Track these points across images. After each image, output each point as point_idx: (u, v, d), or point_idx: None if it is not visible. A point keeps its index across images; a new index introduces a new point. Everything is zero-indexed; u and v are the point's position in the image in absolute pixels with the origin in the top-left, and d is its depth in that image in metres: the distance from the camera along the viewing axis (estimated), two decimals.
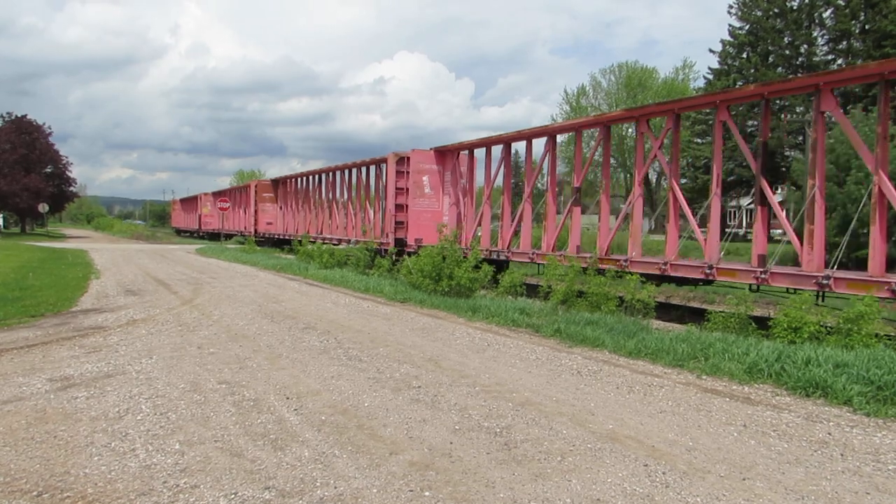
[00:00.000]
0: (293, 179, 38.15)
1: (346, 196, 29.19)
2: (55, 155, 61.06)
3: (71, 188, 65.59)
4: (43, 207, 57.10)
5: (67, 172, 63.14)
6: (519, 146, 20.69)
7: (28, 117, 59.00)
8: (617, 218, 19.30)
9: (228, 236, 45.48)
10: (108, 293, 14.78)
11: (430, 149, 22.27)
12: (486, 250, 18.07)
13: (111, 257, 27.84)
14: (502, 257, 17.83)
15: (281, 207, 40.35)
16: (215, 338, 9.46)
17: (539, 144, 18.28)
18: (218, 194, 58.65)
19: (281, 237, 38.01)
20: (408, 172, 22.29)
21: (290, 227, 37.28)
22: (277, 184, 41.53)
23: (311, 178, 34.68)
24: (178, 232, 74.49)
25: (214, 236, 53.34)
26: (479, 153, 21.10)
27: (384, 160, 23.90)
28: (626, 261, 13.86)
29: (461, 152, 21.71)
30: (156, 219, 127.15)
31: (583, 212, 17.38)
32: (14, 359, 7.92)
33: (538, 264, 17.13)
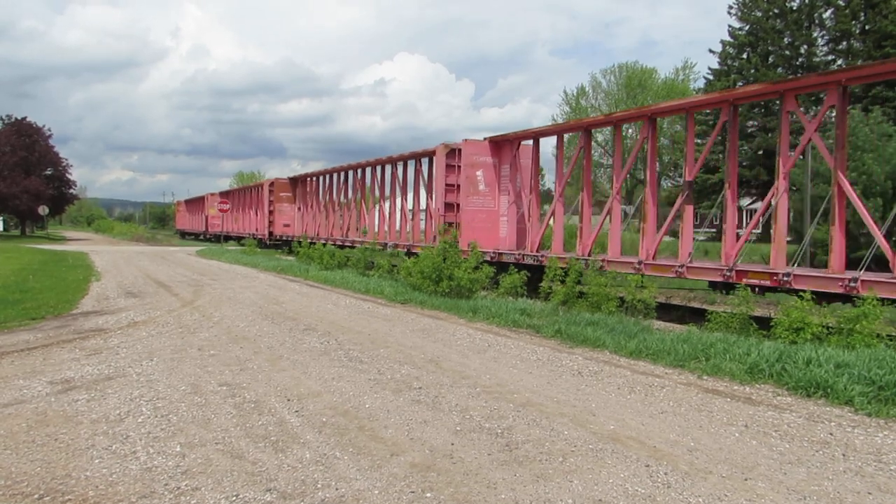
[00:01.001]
0: (315, 178, 34.42)
1: (379, 195, 26.06)
2: (55, 157, 61.12)
3: (71, 190, 65.66)
4: (43, 210, 57.15)
5: (67, 175, 63.23)
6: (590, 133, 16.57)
7: (28, 120, 59.10)
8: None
9: (238, 239, 42.75)
10: (109, 295, 14.78)
11: (485, 139, 19.30)
12: (560, 257, 14.55)
13: (111, 259, 27.85)
14: (597, 266, 13.53)
15: (300, 208, 36.41)
16: (216, 339, 9.45)
17: (627, 131, 16.95)
18: (225, 195, 55.68)
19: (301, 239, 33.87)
20: (459, 166, 19.63)
21: (311, 229, 33.60)
22: (296, 182, 37.35)
23: (336, 175, 30.91)
24: (183, 234, 71.14)
25: (220, 238, 50.83)
26: (547, 143, 18.40)
27: (430, 153, 21.45)
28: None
29: (522, 142, 18.71)
30: (156, 221, 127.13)
31: (696, 211, 14.54)
32: (15, 361, 7.92)
33: (644, 275, 12.87)
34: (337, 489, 4.25)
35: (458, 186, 19.59)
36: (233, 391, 6.62)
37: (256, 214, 42.33)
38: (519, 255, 16.80)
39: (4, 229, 70.71)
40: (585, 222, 15.43)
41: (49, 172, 60.42)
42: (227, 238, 48.19)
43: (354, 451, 4.93)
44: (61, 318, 11.51)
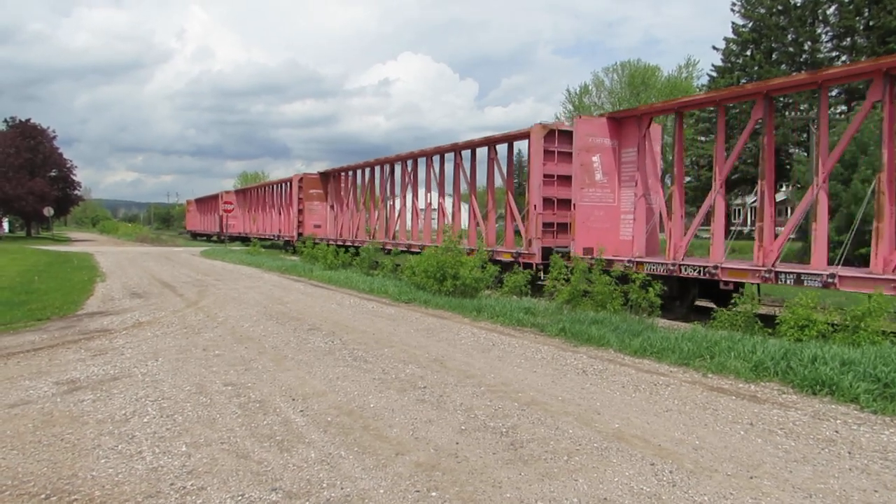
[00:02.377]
0: (351, 172, 29.91)
1: (438, 192, 21.78)
2: (59, 158, 61.30)
3: (76, 192, 65.80)
4: (48, 211, 57.33)
5: (72, 176, 63.37)
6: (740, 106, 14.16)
7: (32, 121, 59.26)
8: None
9: (260, 241, 37.82)
10: (114, 296, 14.82)
11: (603, 115, 15.55)
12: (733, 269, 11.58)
13: (116, 260, 27.92)
14: (789, 280, 10.54)
15: (333, 207, 32.20)
16: (221, 340, 9.47)
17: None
18: (242, 192, 52.22)
19: (334, 243, 27.65)
20: (557, 152, 16.29)
21: (347, 230, 29.53)
22: (328, 178, 32.74)
23: (379, 168, 26.49)
24: (194, 236, 66.69)
25: (238, 241, 47.42)
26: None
27: (517, 137, 17.89)
28: None
29: (653, 119, 14.66)
30: (160, 221, 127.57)
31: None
32: (21, 362, 7.95)
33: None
34: (342, 488, 4.26)
35: (556, 178, 16.25)
36: (238, 391, 6.63)
37: (280, 214, 38.20)
38: (673, 266, 12.56)
39: (10, 231, 70.96)
40: (768, 221, 11.55)
41: (54, 174, 60.61)
42: (246, 240, 44.60)
43: (359, 451, 4.93)
44: (67, 318, 11.54)
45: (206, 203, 63.06)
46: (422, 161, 22.80)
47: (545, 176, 16.27)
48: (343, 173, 31.24)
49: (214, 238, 54.92)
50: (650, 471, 4.59)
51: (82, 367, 7.62)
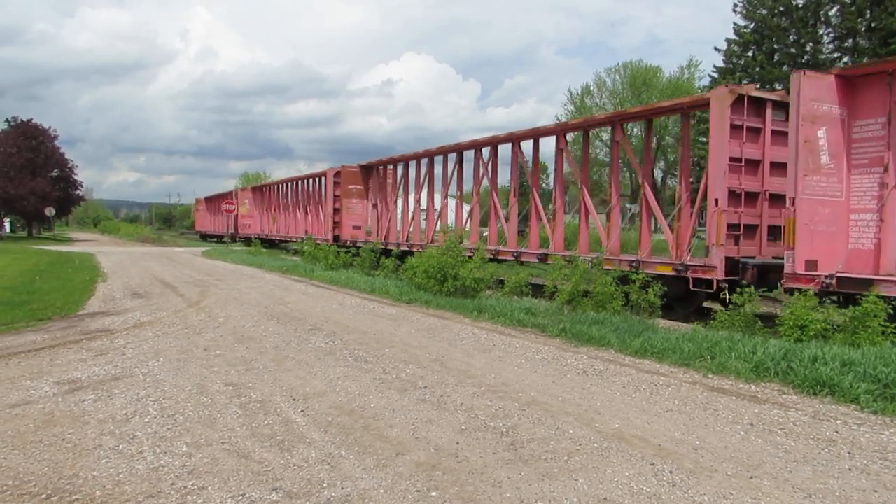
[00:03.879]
0: (401, 165, 24.97)
1: (530, 184, 17.68)
2: (61, 158, 61.33)
3: (77, 191, 65.85)
4: (49, 211, 57.40)
5: (74, 176, 63.40)
6: None
7: (33, 121, 59.32)
8: None
9: (284, 244, 34.77)
10: (115, 296, 14.84)
11: (831, 72, 10.51)
12: None
13: (118, 260, 27.95)
14: None
15: (376, 205, 27.36)
16: (222, 340, 9.49)
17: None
18: (259, 189, 46.88)
19: (384, 246, 23.72)
20: (746, 128, 12.08)
21: (395, 232, 25.20)
22: (370, 171, 27.98)
23: (443, 158, 22.06)
24: (204, 237, 61.46)
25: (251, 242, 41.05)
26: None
27: (689, 106, 13.48)
28: None
29: None
30: (162, 221, 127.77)
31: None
32: (22, 362, 7.97)
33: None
34: (342, 488, 4.26)
35: (744, 163, 12.04)
36: (239, 391, 6.64)
37: (307, 214, 34.06)
38: None
39: (11, 230, 71.03)
40: None
41: (55, 174, 60.61)
42: (270, 243, 39.86)
43: (360, 451, 4.94)
44: (68, 318, 11.56)
45: (218, 202, 57.59)
46: (511, 146, 18.55)
47: (731, 161, 11.85)
48: (389, 166, 26.79)
49: (227, 240, 50.34)
50: (650, 471, 4.59)
51: (83, 367, 7.64)
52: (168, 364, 7.85)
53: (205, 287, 16.86)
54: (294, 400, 6.33)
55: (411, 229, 24.05)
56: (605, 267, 12.90)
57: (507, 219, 18.64)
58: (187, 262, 27.62)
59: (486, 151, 19.76)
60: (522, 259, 17.03)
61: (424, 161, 23.21)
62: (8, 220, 66.83)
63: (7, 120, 59.42)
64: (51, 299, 13.68)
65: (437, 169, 22.80)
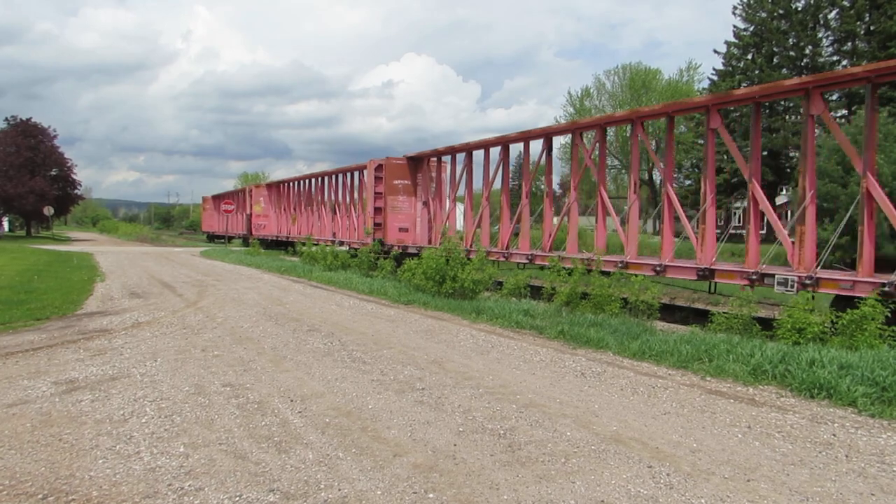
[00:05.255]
0: (462, 155, 20.57)
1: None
2: (60, 158, 61.26)
3: (76, 191, 65.77)
4: (48, 210, 57.30)
5: (72, 175, 63.32)
6: None
7: (33, 120, 59.26)
8: None
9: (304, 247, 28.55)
10: (113, 296, 14.82)
11: None
12: None
13: (116, 260, 27.92)
14: None
15: (426, 203, 22.95)
16: (219, 340, 9.48)
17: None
18: (276, 187, 41.86)
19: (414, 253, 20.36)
20: None
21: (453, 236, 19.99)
22: (420, 164, 23.25)
23: (518, 147, 19.07)
24: (212, 238, 56.10)
25: (270, 245, 38.12)
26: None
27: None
28: None
29: None
30: (161, 221, 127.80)
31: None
32: (19, 362, 7.95)
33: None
34: (340, 490, 4.26)
35: None
36: (236, 392, 6.63)
37: (336, 213, 30.26)
38: None
39: (10, 230, 70.98)
40: None
41: (54, 173, 60.54)
42: (280, 244, 37.44)
43: (357, 452, 4.94)
44: (66, 318, 11.55)
45: (229, 200, 52.29)
46: (592, 135, 16.70)
47: None
48: (444, 157, 22.09)
49: (239, 241, 45.92)
50: (647, 473, 4.59)
51: (81, 367, 7.63)
52: (166, 364, 7.84)
53: (203, 287, 16.85)
54: (292, 401, 6.33)
55: (478, 230, 19.76)
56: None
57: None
58: (185, 262, 27.60)
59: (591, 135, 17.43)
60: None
61: (504, 146, 18.77)
62: (6, 219, 66.71)
63: (6, 119, 59.40)
64: (49, 299, 13.66)
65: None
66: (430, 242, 21.79)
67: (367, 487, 4.30)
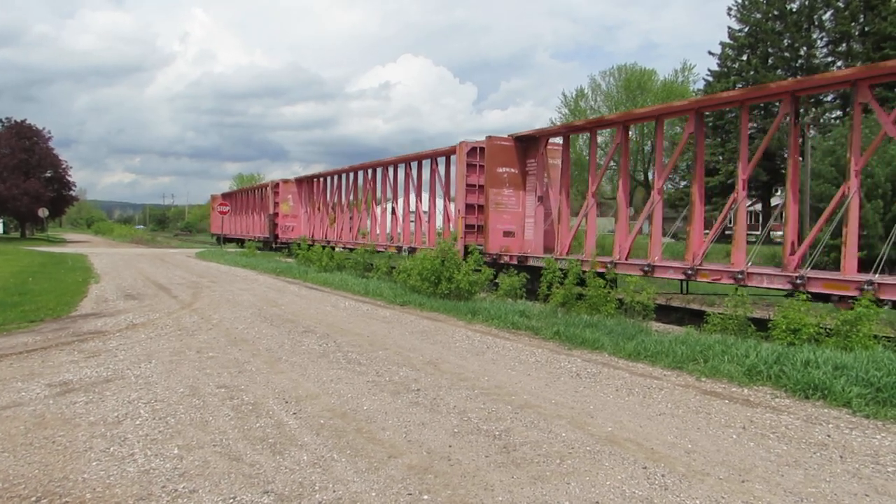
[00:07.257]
0: (586, 135, 17.39)
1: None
2: (55, 159, 61.03)
3: (70, 192, 65.56)
4: (43, 212, 57.10)
5: (67, 177, 63.10)
6: None
7: (27, 122, 59.06)
8: None
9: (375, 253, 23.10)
10: (108, 298, 14.77)
11: None
12: None
13: (111, 261, 27.84)
14: None
15: (541, 199, 17.82)
16: (214, 342, 9.45)
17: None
18: (308, 182, 35.09)
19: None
20: None
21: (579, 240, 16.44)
22: (532, 146, 17.84)
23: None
24: (223, 240, 46.84)
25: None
26: None
27: None
28: None
29: None
30: (156, 223, 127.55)
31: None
32: (13, 364, 7.92)
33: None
34: (334, 491, 4.25)
35: None
36: (231, 393, 6.62)
37: (394, 213, 24.72)
38: None
39: (4, 231, 70.75)
40: None
41: (49, 175, 60.31)
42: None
43: (352, 454, 4.93)
44: (60, 320, 11.50)
45: (243, 199, 46.49)
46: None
47: None
48: (564, 136, 17.13)
49: (259, 245, 37.84)
50: (642, 474, 4.59)
51: (75, 369, 7.60)
52: (160, 366, 7.81)
53: (198, 289, 16.81)
54: (286, 402, 6.31)
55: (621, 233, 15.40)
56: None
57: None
58: (181, 263, 27.53)
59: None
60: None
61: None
62: (1, 220, 66.49)
63: (1, 121, 59.18)
64: (43, 300, 13.61)
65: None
66: (553, 251, 16.23)
67: (361, 489, 4.29)
